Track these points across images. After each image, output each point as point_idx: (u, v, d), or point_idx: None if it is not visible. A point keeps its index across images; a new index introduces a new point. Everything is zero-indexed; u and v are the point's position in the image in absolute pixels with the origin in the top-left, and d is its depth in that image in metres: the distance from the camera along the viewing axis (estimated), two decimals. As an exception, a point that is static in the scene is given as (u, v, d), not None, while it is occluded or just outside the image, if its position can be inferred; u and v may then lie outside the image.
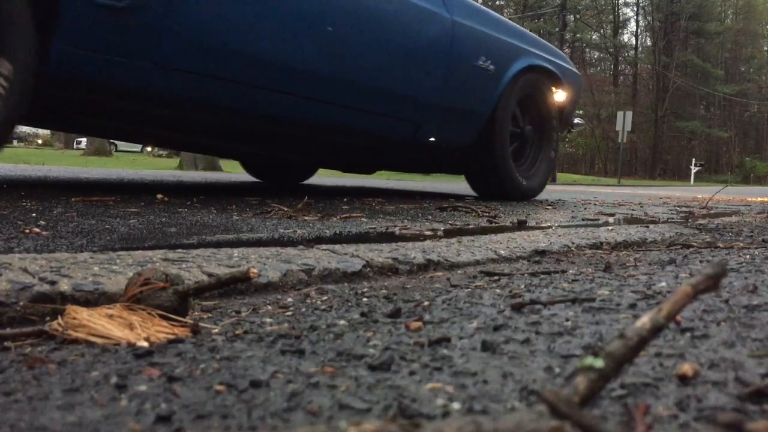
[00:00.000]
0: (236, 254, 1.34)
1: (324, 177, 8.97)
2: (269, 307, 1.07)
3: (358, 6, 2.85)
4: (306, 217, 2.31)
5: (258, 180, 5.02)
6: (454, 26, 3.33)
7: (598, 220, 3.14)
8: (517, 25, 4.06)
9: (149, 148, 37.08)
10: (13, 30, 1.91)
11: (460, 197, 4.15)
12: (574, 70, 4.46)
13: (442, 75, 3.33)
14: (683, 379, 0.69)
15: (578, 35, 49.39)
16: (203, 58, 2.38)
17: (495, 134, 3.70)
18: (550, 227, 2.55)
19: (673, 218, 3.45)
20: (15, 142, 35.40)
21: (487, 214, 2.90)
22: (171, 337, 0.83)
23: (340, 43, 2.80)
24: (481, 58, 3.51)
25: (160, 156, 29.56)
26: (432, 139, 3.49)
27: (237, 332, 0.88)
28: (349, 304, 1.10)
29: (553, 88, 4.12)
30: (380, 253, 1.50)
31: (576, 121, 4.69)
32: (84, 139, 27.75)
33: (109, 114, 2.54)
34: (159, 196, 2.61)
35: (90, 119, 2.31)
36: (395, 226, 2.22)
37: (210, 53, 2.39)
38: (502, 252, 1.75)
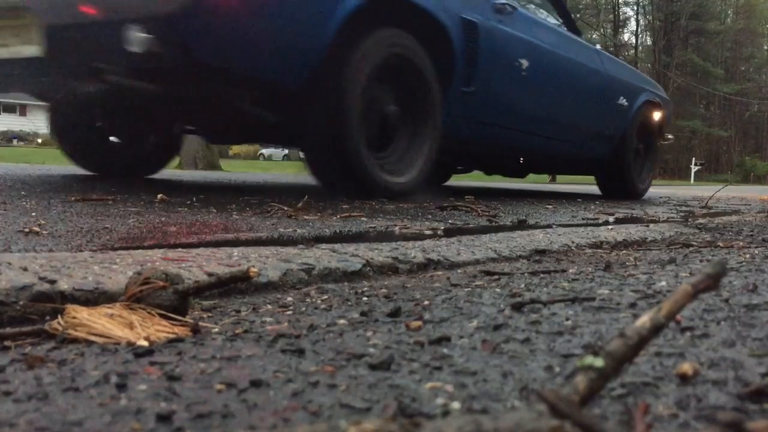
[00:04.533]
0: (236, 253, 1.34)
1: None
2: (269, 307, 1.07)
3: (565, 73, 4.40)
4: (306, 216, 2.30)
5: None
6: (607, 78, 4.90)
7: (598, 219, 3.14)
8: (637, 69, 5.95)
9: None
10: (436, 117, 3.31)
11: (459, 196, 4.15)
12: (667, 97, 5.99)
13: (598, 112, 4.84)
14: (683, 379, 0.69)
15: (578, 34, 49.32)
16: (497, 115, 3.88)
17: (625, 150, 5.22)
18: (550, 226, 2.55)
19: (673, 217, 3.44)
20: (15, 142, 35.36)
21: (487, 214, 2.89)
22: (171, 336, 0.83)
23: (555, 96, 4.32)
24: (620, 98, 5.04)
25: (160, 155, 29.50)
26: (587, 155, 5.03)
27: (237, 331, 0.88)
28: (349, 303, 1.10)
29: (656, 113, 5.59)
30: (380, 253, 1.50)
31: (668, 136, 6.19)
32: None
33: (442, 151, 3.64)
34: (159, 195, 2.61)
35: None
36: (395, 225, 2.21)
37: (501, 112, 3.90)
38: (503, 251, 1.75)
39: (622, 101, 5.03)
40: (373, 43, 2.87)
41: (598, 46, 5.19)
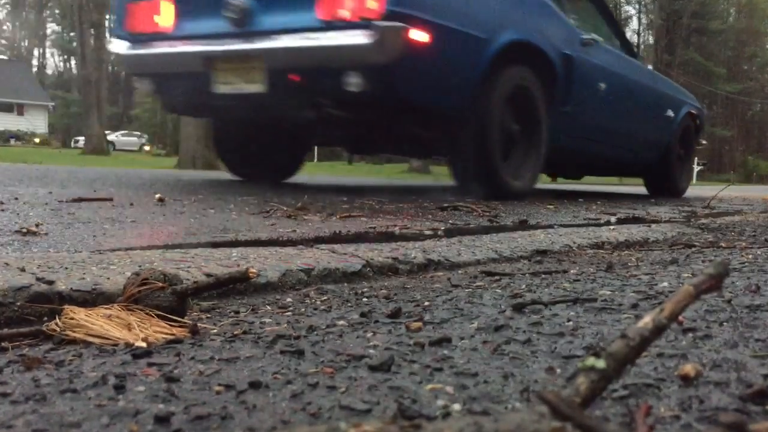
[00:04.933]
0: (235, 254, 1.33)
1: (322, 176, 8.99)
2: (268, 308, 1.06)
3: (630, 92, 5.23)
4: (306, 217, 2.30)
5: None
6: (659, 94, 5.73)
7: (600, 219, 3.13)
8: (678, 85, 6.79)
9: (147, 147, 37.30)
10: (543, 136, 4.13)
11: (460, 196, 4.15)
12: (702, 107, 6.86)
13: (652, 123, 5.64)
14: (685, 380, 0.68)
15: (579, 34, 49.23)
16: (583, 129, 4.73)
17: (670, 156, 6.01)
18: (551, 227, 2.54)
19: (675, 217, 3.43)
20: (12, 141, 35.45)
21: (487, 214, 2.89)
22: (169, 337, 0.83)
23: (622, 111, 5.13)
24: (668, 110, 5.84)
25: (158, 155, 29.68)
26: (641, 160, 5.82)
27: (236, 332, 0.88)
28: (349, 304, 1.10)
29: (695, 122, 6.45)
30: (380, 253, 1.49)
31: (703, 141, 7.16)
32: (82, 138, 28.06)
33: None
34: (157, 195, 2.60)
35: None
36: (395, 225, 2.21)
37: (586, 127, 4.74)
38: (504, 252, 1.74)
39: (670, 113, 5.88)
40: (507, 77, 3.76)
41: (650, 66, 6.41)
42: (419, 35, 3.19)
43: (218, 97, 3.63)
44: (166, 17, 3.74)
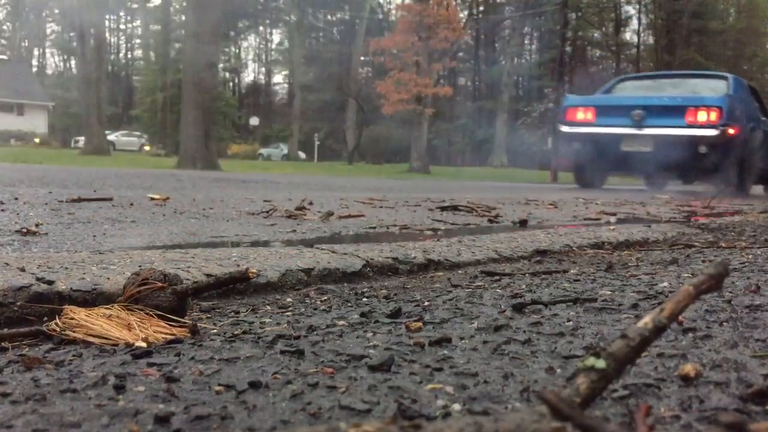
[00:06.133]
0: (235, 254, 1.34)
1: (325, 176, 8.96)
2: (268, 307, 1.06)
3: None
4: (306, 217, 2.30)
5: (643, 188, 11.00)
6: None
7: (600, 219, 3.13)
8: None
9: (147, 147, 37.40)
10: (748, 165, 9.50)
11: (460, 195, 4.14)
12: None
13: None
14: (685, 380, 0.68)
15: (580, 33, 49.23)
16: (760, 158, 9.55)
17: None
18: (551, 227, 2.54)
19: (675, 217, 3.43)
20: (12, 141, 35.42)
21: (488, 214, 2.89)
22: (169, 337, 0.83)
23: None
24: None
25: (158, 155, 29.69)
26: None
27: (236, 332, 0.88)
28: (349, 304, 1.10)
29: None
30: (380, 253, 1.49)
31: None
32: (82, 138, 28.05)
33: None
34: (157, 195, 2.60)
35: None
36: (395, 225, 2.21)
37: (761, 158, 9.61)
38: (504, 252, 1.74)
39: None
40: (751, 140, 8.73)
41: None
42: (732, 130, 7.93)
43: (622, 153, 8.36)
44: (589, 115, 8.76)
